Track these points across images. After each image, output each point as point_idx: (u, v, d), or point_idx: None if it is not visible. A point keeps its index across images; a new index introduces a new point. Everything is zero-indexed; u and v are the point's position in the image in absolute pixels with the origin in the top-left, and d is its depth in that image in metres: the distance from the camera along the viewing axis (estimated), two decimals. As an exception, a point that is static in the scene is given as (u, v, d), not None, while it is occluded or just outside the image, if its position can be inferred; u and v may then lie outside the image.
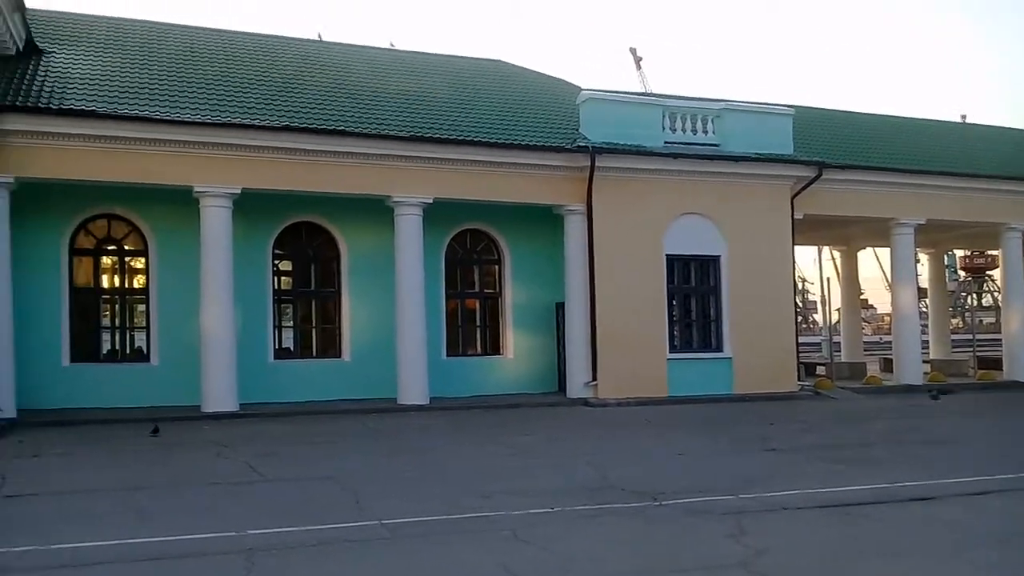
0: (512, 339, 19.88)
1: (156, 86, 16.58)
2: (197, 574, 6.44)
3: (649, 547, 7.17)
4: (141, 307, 17.52)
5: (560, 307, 19.38)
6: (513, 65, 23.34)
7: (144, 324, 17.38)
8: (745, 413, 16.95)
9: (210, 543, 7.24)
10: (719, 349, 19.57)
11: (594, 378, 18.31)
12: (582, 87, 20.64)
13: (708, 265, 19.70)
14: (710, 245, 19.48)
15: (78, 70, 16.58)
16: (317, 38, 23.61)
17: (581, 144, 18.21)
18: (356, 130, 16.81)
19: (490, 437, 13.88)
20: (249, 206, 16.61)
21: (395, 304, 17.52)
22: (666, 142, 19.07)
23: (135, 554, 6.91)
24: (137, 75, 16.91)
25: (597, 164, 18.12)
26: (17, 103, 14.69)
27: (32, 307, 15.86)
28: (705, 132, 19.64)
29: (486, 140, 17.73)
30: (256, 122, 16.12)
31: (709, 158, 19.27)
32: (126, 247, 17.45)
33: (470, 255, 20.05)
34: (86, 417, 15.17)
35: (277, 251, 18.30)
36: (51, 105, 14.95)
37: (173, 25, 20.46)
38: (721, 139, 19.60)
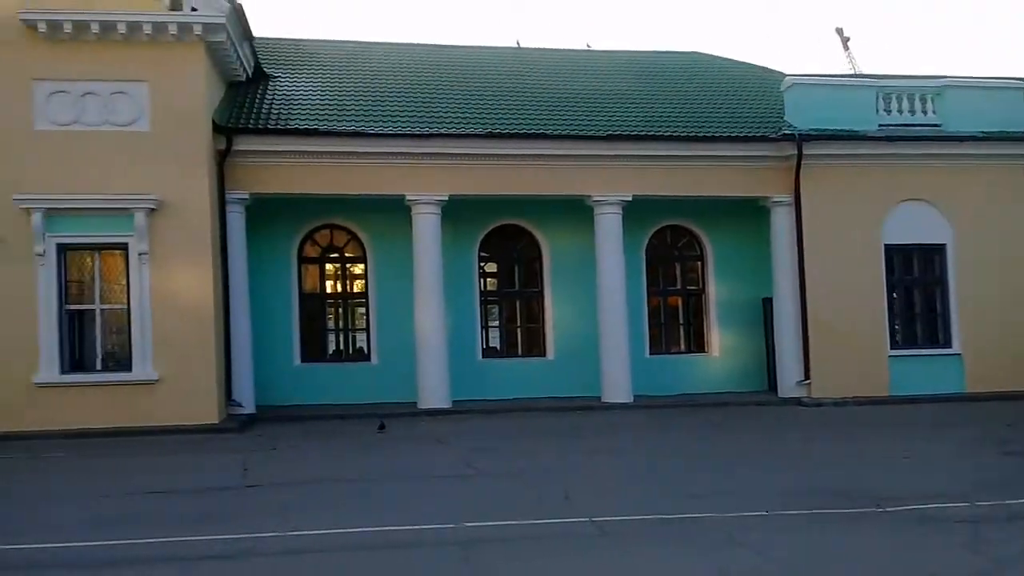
0: (717, 336, 19.42)
1: (368, 102, 17.61)
2: (417, 563, 6.76)
3: (875, 556, 6.74)
4: (361, 310, 18.69)
5: (767, 302, 18.70)
6: (711, 56, 22.78)
7: (364, 326, 18.54)
8: (978, 414, 15.57)
9: (429, 534, 7.60)
10: (947, 345, 18.13)
11: (807, 376, 17.51)
12: (785, 73, 19.79)
13: (932, 254, 18.30)
14: (934, 233, 18.09)
15: (300, 92, 17.95)
16: (516, 45, 24.15)
17: (787, 132, 17.48)
18: (556, 133, 17.07)
19: (696, 436, 13.63)
20: (457, 210, 17.29)
21: (597, 302, 17.60)
22: (880, 125, 17.91)
23: (361, 542, 7.38)
24: (351, 93, 18.06)
25: (804, 152, 17.33)
26: (248, 126, 16.12)
27: (267, 312, 17.36)
28: (924, 112, 18.26)
29: (685, 134, 17.44)
30: (461, 131, 16.75)
31: (930, 139, 17.90)
32: (347, 254, 18.69)
33: (671, 251, 19.78)
34: (315, 413, 16.41)
35: (482, 254, 18.92)
36: (278, 126, 16.28)
37: (380, 44, 21.72)
38: (943, 119, 18.14)
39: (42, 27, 14.39)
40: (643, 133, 17.32)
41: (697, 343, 19.76)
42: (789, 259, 17.78)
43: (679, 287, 19.90)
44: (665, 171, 17.44)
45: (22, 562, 6.99)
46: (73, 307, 14.93)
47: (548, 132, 17.05)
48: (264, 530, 7.75)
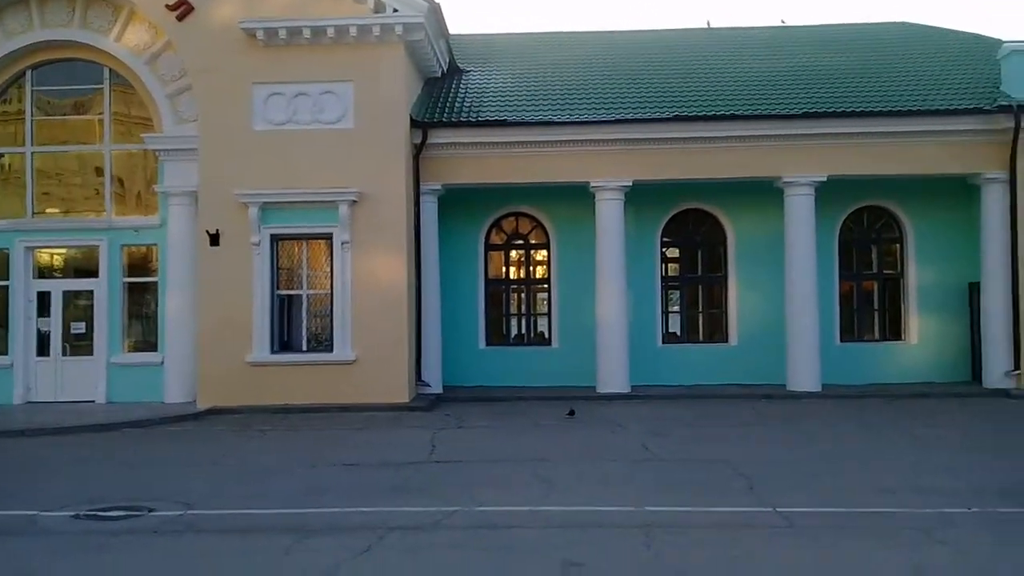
0: (916, 323, 18.21)
1: (556, 92, 17.84)
2: (601, 542, 6.90)
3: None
4: (543, 295, 19.04)
5: (974, 288, 17.33)
6: (919, 25, 21.22)
7: (546, 311, 18.88)
8: None
9: (610, 516, 7.74)
10: None
11: (1016, 367, 16.14)
12: (1003, 40, 18.16)
13: None
14: None
15: (491, 85, 18.45)
16: (706, 26, 23.58)
17: (1003, 104, 16.09)
18: (746, 113, 16.60)
19: (890, 428, 12.90)
20: (639, 196, 17.23)
21: (784, 288, 17.01)
22: (1111, 94, 16.10)
23: (544, 520, 7.61)
24: (539, 84, 18.32)
25: (1023, 125, 15.91)
26: (443, 119, 16.80)
27: (455, 297, 18.08)
28: None
29: (886, 109, 16.43)
30: (646, 115, 16.65)
31: None
32: (531, 241, 19.08)
33: (867, 234, 18.72)
34: (497, 395, 16.92)
35: (665, 239, 18.72)
36: (470, 119, 16.86)
37: (567, 33, 21.94)
38: None
39: (260, 35, 15.67)
40: (840, 110, 16.48)
41: (893, 330, 18.62)
42: (1001, 241, 16.40)
43: (875, 271, 18.82)
44: (864, 149, 16.53)
45: (242, 525, 7.75)
46: (283, 292, 16.19)
47: (738, 112, 16.61)
48: (451, 504, 8.18)
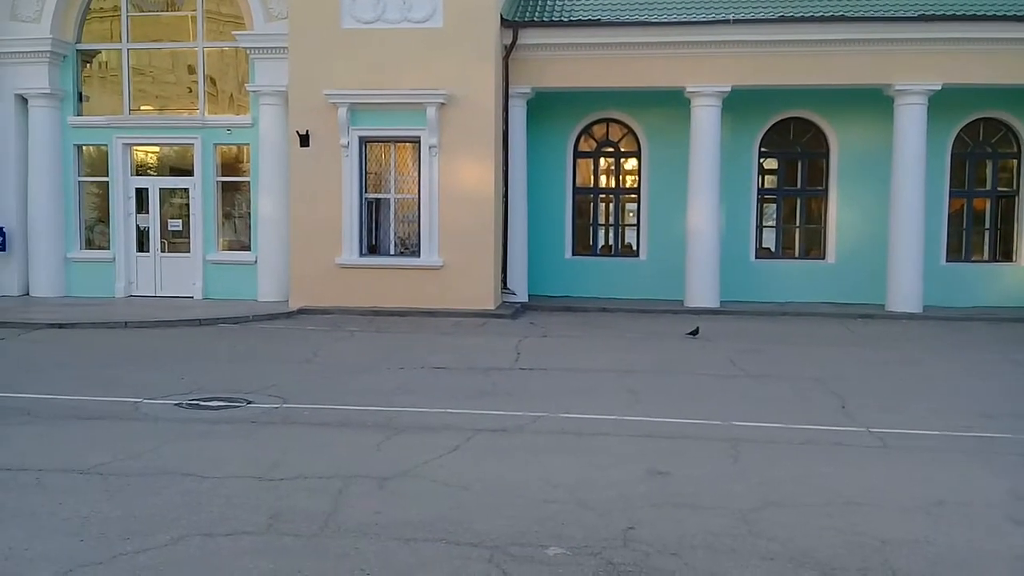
0: (1030, 245, 17.27)
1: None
2: (687, 453, 6.82)
3: None
4: (632, 205, 18.66)
5: (1098, 209, 16.25)
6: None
7: (635, 222, 18.53)
8: None
9: (696, 428, 7.64)
10: None
11: None
12: None
13: None
14: None
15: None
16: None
17: None
18: (855, 15, 15.59)
19: (993, 352, 12.34)
20: (737, 103, 16.55)
21: (889, 203, 16.24)
22: None
23: (629, 429, 7.57)
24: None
25: None
26: (534, 19, 16.28)
27: (542, 205, 17.87)
28: None
29: (1009, 14, 15.21)
30: (750, 15, 15.81)
31: None
32: (622, 148, 18.59)
33: (983, 148, 17.62)
34: (582, 305, 16.84)
35: (763, 149, 18.00)
36: (562, 18, 16.29)
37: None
38: None
39: (349, -71, 15.32)
40: (958, 13, 15.35)
41: (1004, 251, 17.70)
42: None
43: (988, 188, 17.79)
44: (984, 55, 15.44)
45: (334, 420, 7.94)
46: (371, 196, 16.25)
47: (847, 14, 15.62)
48: (536, 409, 8.20)
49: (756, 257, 18.04)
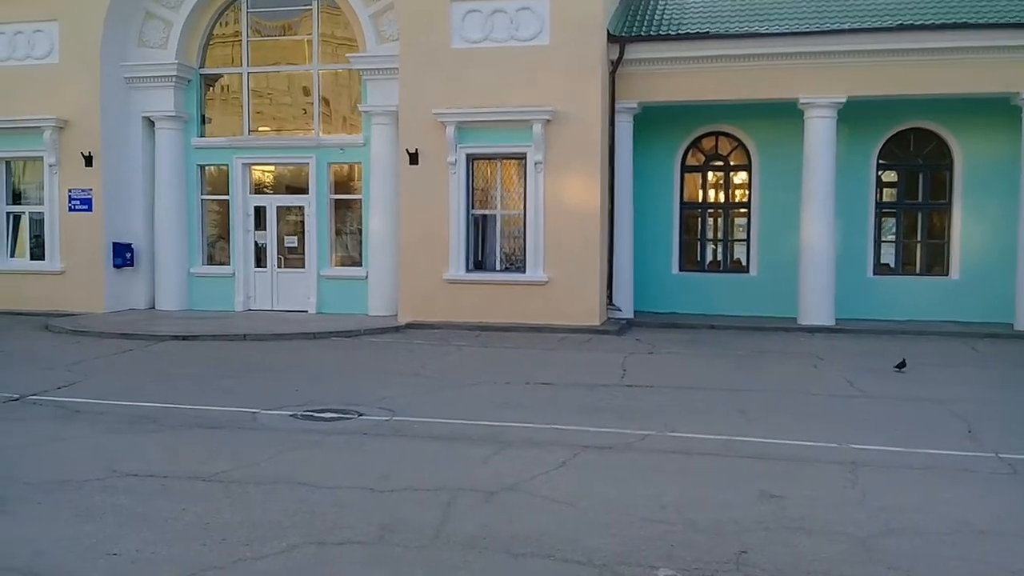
0: None
1: (759, 2, 16.76)
2: (801, 476, 6.59)
3: None
4: (741, 220, 18.26)
5: None
6: None
7: (744, 236, 18.12)
8: None
9: (811, 451, 7.37)
10: None
11: None
12: None
13: None
14: None
15: (693, -2, 17.62)
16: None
17: None
18: (978, 21, 14.87)
19: None
20: (852, 115, 16.01)
21: (1018, 218, 15.37)
22: None
23: (740, 450, 7.36)
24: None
25: None
26: (641, 33, 16.18)
27: (648, 220, 17.68)
28: None
29: None
30: (867, 24, 15.30)
31: None
32: (731, 162, 18.23)
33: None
34: (690, 322, 16.54)
35: (881, 161, 17.32)
36: (670, 32, 16.15)
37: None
38: None
39: (459, -50, 15.63)
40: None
41: None
42: None
43: None
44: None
45: (442, 433, 8.04)
46: (477, 212, 16.45)
47: (970, 21, 14.91)
48: (643, 427, 8.09)
49: (874, 273, 17.35)
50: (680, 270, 18.26)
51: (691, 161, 18.31)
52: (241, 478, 6.43)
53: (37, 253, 18.30)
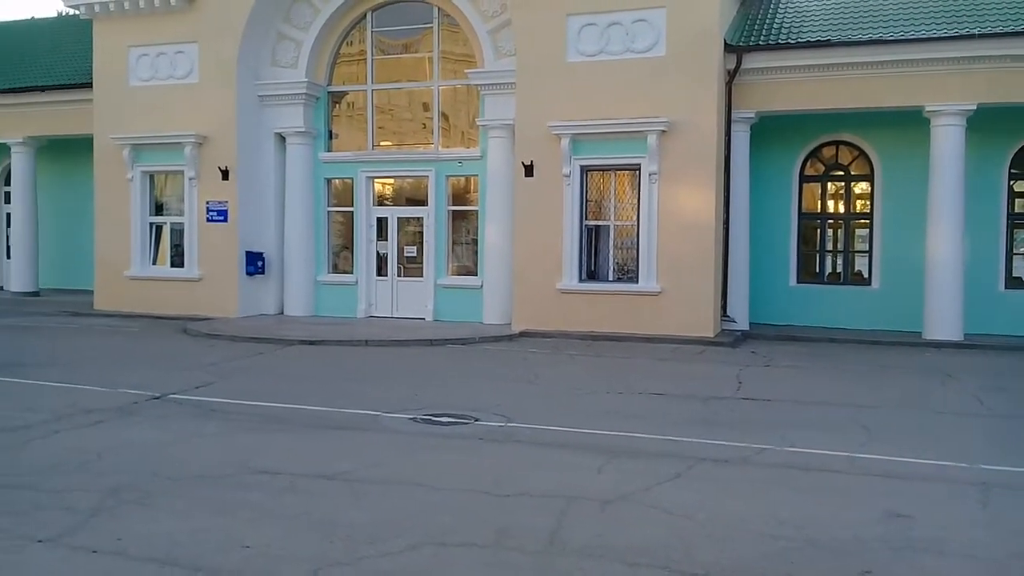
0: None
1: (880, 7, 16.26)
2: (928, 495, 6.41)
3: None
4: (862, 231, 17.70)
5: None
6: None
7: (865, 248, 17.56)
8: None
9: (939, 470, 7.14)
10: None
11: None
12: None
13: None
14: None
15: (812, 5, 17.19)
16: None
17: None
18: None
19: None
20: (983, 122, 15.33)
21: None
22: None
23: (863, 468, 7.18)
24: (864, 1, 16.76)
25: None
26: (759, 42, 15.97)
27: (764, 230, 17.38)
28: None
29: None
30: (999, 29, 14.63)
31: None
32: (852, 172, 17.72)
33: None
34: (808, 335, 16.15)
35: (1013, 171, 16.51)
36: (789, 40, 15.87)
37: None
38: None
39: (570, -36, 15.82)
40: None
41: None
42: None
43: None
44: None
45: (556, 440, 8.17)
46: (590, 223, 16.55)
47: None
48: (760, 441, 7.99)
49: (1006, 287, 16.52)
50: (798, 282, 17.86)
51: (810, 171, 17.89)
52: (364, 478, 6.73)
53: (177, 261, 19.51)
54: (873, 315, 16.79)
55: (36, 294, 22.38)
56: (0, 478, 6.56)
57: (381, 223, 18.69)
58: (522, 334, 16.01)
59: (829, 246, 18.12)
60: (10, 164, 22.57)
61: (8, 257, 23.38)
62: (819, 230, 18.08)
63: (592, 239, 16.68)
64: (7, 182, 23.61)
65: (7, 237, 23.62)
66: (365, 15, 18.63)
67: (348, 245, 19.05)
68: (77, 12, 19.87)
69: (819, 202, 18.09)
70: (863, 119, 16.58)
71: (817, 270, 18.09)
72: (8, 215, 23.28)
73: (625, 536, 5.45)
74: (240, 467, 7.01)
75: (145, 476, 6.69)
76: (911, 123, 15.72)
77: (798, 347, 15.10)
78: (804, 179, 17.90)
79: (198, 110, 18.65)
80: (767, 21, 16.76)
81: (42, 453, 7.36)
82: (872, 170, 17.27)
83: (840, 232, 17.99)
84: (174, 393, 10.21)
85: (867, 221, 17.48)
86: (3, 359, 12.72)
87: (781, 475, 6.97)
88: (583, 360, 13.49)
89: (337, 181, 19.11)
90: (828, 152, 17.75)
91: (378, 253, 18.70)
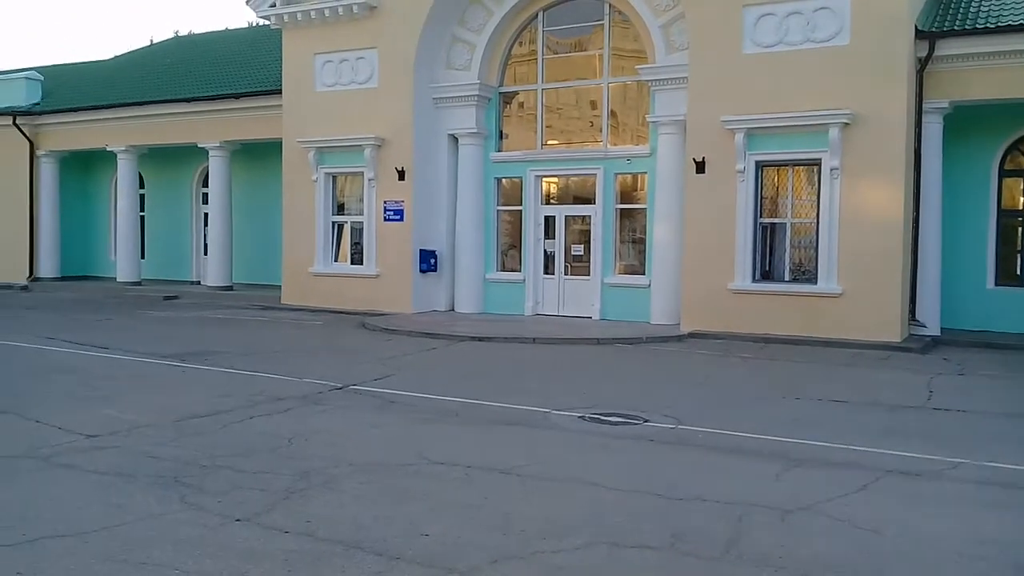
0: None
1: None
2: None
3: None
4: (1074, 230, 16.15)
5: None
6: None
7: (1077, 248, 16.01)
8: None
9: None
10: None
11: None
12: None
13: None
14: None
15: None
16: None
17: None
18: None
19: None
20: None
21: None
22: None
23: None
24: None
25: None
26: (954, 27, 14.88)
27: (959, 229, 16.16)
28: None
29: None
30: None
31: None
32: (1061, 166, 16.21)
33: None
34: (1009, 342, 14.88)
35: None
36: (987, 24, 14.69)
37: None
38: None
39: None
40: None
41: None
42: None
43: None
44: None
45: (729, 445, 7.94)
46: (765, 221, 15.97)
47: None
48: (952, 454, 7.45)
49: None
50: (996, 284, 16.49)
51: (1010, 165, 16.48)
52: (536, 473, 6.79)
53: (356, 258, 20.46)
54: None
55: (230, 288, 24.03)
56: (204, 459, 7.09)
57: (548, 222, 18.83)
58: (691, 335, 15.68)
59: (1030, 246, 16.65)
60: (208, 167, 24.38)
61: (205, 254, 25.30)
62: (1020, 229, 16.62)
63: (767, 238, 16.10)
64: (205, 183, 25.53)
65: (205, 235, 25.56)
66: (536, 15, 18.82)
67: (516, 243, 19.32)
68: (268, 22, 21.20)
69: (1021, 199, 16.62)
70: (1074, 107, 15.12)
71: (1018, 272, 16.64)
72: (206, 215, 25.17)
73: (808, 548, 5.21)
74: (417, 457, 7.24)
75: (331, 462, 7.04)
76: None
77: (996, 355, 13.96)
78: (1004, 174, 16.49)
79: (377, 113, 19.46)
80: (962, 4, 15.58)
81: (238, 437, 7.90)
82: (1084, 163, 15.71)
83: (1043, 231, 16.48)
84: (355, 384, 10.70)
85: (1079, 219, 15.93)
86: (200, 348, 13.78)
87: (979, 492, 6.46)
88: (755, 363, 13.05)
89: (506, 180, 19.42)
90: (1032, 145, 16.31)
91: (545, 252, 18.85)
